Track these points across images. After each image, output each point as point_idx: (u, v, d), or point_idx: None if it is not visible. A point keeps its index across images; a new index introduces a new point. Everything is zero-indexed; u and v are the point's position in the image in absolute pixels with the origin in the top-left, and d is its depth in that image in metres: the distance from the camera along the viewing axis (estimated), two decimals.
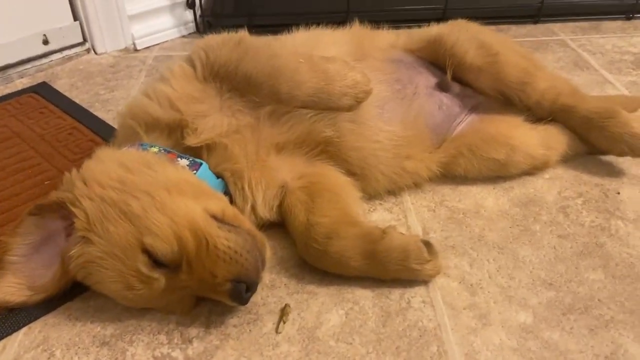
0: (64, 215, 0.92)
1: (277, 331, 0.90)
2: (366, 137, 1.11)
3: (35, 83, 1.66)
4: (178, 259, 0.86)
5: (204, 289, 0.87)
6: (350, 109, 1.06)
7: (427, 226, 1.10)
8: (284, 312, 0.92)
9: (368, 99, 1.07)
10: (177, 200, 0.90)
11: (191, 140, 1.00)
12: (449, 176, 1.21)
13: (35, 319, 0.94)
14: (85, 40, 1.80)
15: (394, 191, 1.17)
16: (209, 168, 1.01)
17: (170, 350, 0.87)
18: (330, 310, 0.93)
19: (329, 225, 0.98)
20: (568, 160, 1.25)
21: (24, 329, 0.92)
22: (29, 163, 1.30)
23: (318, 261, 0.98)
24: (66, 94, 1.61)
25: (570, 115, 1.23)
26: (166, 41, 1.94)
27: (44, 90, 1.62)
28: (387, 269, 0.94)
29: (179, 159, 0.99)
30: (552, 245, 1.04)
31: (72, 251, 0.88)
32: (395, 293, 0.95)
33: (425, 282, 0.97)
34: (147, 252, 0.85)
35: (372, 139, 1.12)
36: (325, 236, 0.96)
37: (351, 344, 0.87)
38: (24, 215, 0.94)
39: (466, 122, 1.24)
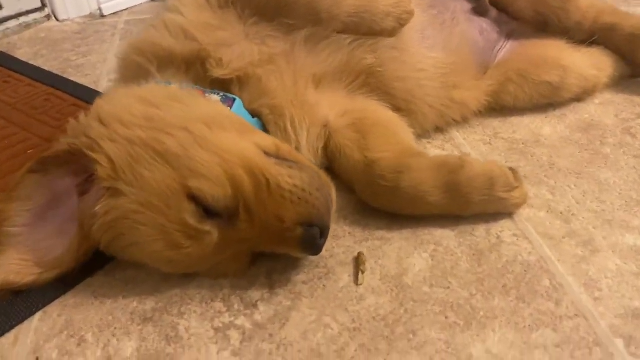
0: (75, 169, 0.74)
1: (357, 283, 0.74)
2: (410, 66, 0.97)
3: None
4: (233, 205, 0.70)
5: (267, 240, 0.71)
6: (392, 32, 0.93)
7: (488, 160, 0.97)
8: (359, 262, 0.77)
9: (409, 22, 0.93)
10: (221, 135, 0.73)
11: (218, 72, 0.83)
12: (496, 108, 1.09)
13: (51, 301, 0.75)
14: (44, 5, 1.57)
15: (441, 127, 1.04)
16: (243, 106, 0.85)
17: (232, 318, 0.71)
18: (411, 254, 0.78)
19: (394, 159, 0.83)
20: (613, 84, 1.16)
21: (38, 314, 0.73)
22: (2, 134, 1.09)
23: (387, 201, 0.83)
24: (30, 62, 1.39)
25: (613, 34, 1.14)
26: (135, 5, 1.73)
27: (3, 60, 1.40)
28: (470, 201, 0.80)
29: (208, 94, 0.82)
30: (631, 166, 0.94)
31: (97, 207, 0.70)
32: (479, 229, 0.82)
33: (509, 214, 0.84)
34: (194, 198, 0.68)
35: (417, 67, 0.98)
36: (393, 171, 0.81)
37: (449, 288, 0.73)
38: (21, 175, 0.75)
39: (506, 48, 1.12)
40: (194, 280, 0.76)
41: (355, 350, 0.66)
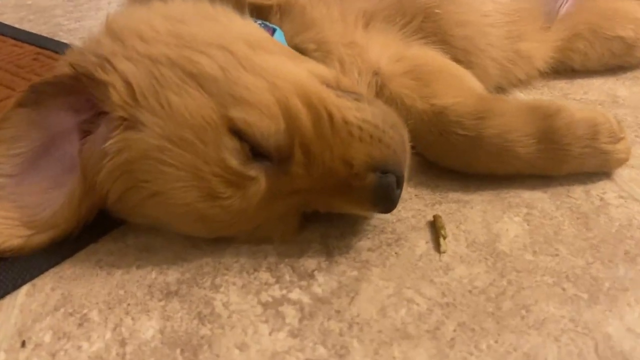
0: (78, 101, 0.57)
1: (439, 250, 0.58)
2: (472, 9, 0.83)
3: None
4: (286, 144, 0.54)
5: (328, 192, 0.55)
6: None
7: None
8: (437, 226, 0.61)
9: None
10: (268, 58, 0.57)
11: None
12: (559, 70, 0.94)
13: (42, 271, 0.57)
14: None
15: (503, 87, 0.89)
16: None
17: (285, 291, 0.54)
18: (499, 218, 0.63)
19: (472, 104, 0.68)
20: None
21: (25, 288, 0.55)
22: None
23: (463, 157, 0.67)
24: (16, 26, 1.22)
25: None
26: None
27: None
28: (569, 153, 0.65)
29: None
30: None
31: (108, 143, 0.53)
32: (576, 191, 0.67)
33: (606, 175, 0.69)
34: (237, 133, 0.52)
35: (480, 11, 0.83)
36: (473, 116, 0.66)
37: (557, 255, 0.57)
38: (8, 110, 0.58)
39: (570, 2, 0.98)
40: (229, 247, 0.59)
41: (455, 330, 0.49)
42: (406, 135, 0.58)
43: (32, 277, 0.56)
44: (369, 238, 0.60)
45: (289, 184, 0.55)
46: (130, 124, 0.53)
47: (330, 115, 0.55)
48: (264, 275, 0.56)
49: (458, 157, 0.67)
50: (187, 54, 0.55)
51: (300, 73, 0.57)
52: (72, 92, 0.57)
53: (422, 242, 0.60)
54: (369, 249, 0.59)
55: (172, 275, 0.56)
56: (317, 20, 0.70)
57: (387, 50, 0.77)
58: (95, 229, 0.60)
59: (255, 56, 0.56)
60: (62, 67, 0.57)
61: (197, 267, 0.57)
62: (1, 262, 0.56)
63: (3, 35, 1.15)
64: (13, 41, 1.12)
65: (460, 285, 0.54)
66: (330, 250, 0.59)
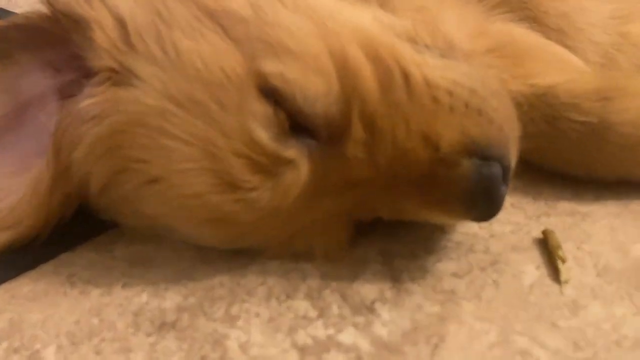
0: (56, 55, 0.42)
1: (559, 280, 0.40)
2: None
3: None
4: (340, 113, 0.37)
5: (398, 186, 0.38)
6: None
7: None
8: (551, 246, 0.42)
9: None
10: None
11: None
12: None
13: None
14: None
15: None
16: None
17: (332, 330, 0.36)
18: (637, 238, 0.44)
19: (589, 82, 0.50)
20: None
21: None
22: None
23: (579, 151, 0.48)
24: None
25: None
26: None
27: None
28: None
29: None
30: None
31: (88, 101, 0.37)
32: None
33: None
34: (271, 94, 0.36)
35: None
36: (597, 96, 0.48)
37: None
38: None
39: None
40: (252, 263, 0.42)
41: None
42: (512, 107, 0.41)
43: None
44: (452, 259, 0.42)
45: (342, 173, 0.37)
46: (120, 77, 0.37)
47: (406, 74, 0.38)
48: (302, 305, 0.38)
49: (572, 154, 0.49)
50: None
51: (363, 17, 0.41)
52: (50, 42, 0.41)
53: (530, 267, 0.41)
54: (455, 274, 0.41)
55: (171, 299, 0.39)
56: None
57: (464, 24, 0.60)
58: (73, 232, 0.43)
59: None
60: (34, 11, 0.42)
61: (207, 290, 0.40)
62: None
63: None
64: None
65: (601, 333, 0.35)
66: (397, 273, 0.41)
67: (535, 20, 0.64)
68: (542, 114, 0.50)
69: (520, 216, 0.47)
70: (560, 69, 0.54)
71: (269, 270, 0.41)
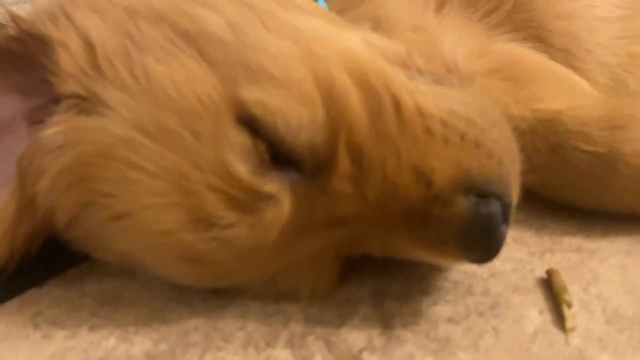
0: (27, 81, 0.39)
1: (565, 327, 0.36)
2: None
3: None
4: (325, 143, 0.34)
5: (388, 223, 0.35)
6: None
7: None
8: (556, 288, 0.39)
9: None
10: (303, 18, 0.38)
11: None
12: None
13: None
14: None
15: None
16: None
17: None
18: None
19: (598, 108, 0.47)
20: None
21: None
22: None
23: (586, 183, 0.45)
24: None
25: None
26: None
27: None
28: None
29: None
30: None
31: (51, 130, 0.34)
32: None
33: None
34: (250, 123, 0.33)
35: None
36: (606, 124, 0.45)
37: None
38: None
39: None
40: (231, 304, 0.39)
41: None
42: (514, 139, 0.37)
43: None
44: (448, 301, 0.39)
45: (328, 209, 0.34)
46: (87, 104, 0.35)
47: (397, 102, 0.35)
48: (282, 355, 0.35)
49: (579, 185, 0.46)
50: (181, 4, 0.37)
51: (352, 40, 0.38)
52: (17, 65, 0.39)
53: (532, 312, 0.38)
54: (450, 319, 0.37)
55: (141, 344, 0.36)
56: None
57: (465, 43, 0.57)
58: (43, 266, 0.40)
59: (285, 12, 0.38)
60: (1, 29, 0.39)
61: (181, 334, 0.37)
62: None
63: None
64: None
65: None
66: (389, 317, 0.38)
67: (540, 39, 0.61)
68: (547, 142, 0.47)
69: (522, 252, 0.44)
70: (567, 93, 0.51)
71: (250, 312, 0.38)
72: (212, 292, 0.39)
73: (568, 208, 0.47)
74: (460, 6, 0.58)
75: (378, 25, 0.51)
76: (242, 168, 0.33)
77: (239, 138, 0.33)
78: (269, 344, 0.36)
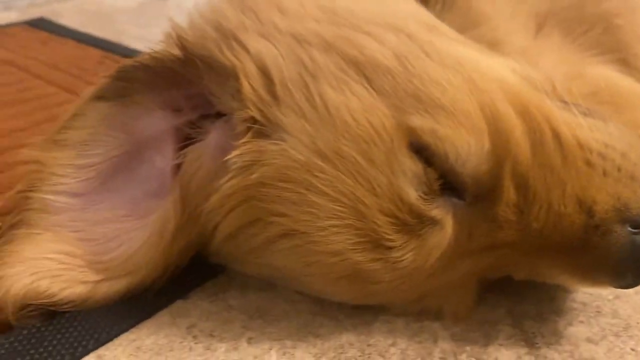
0: (179, 96, 0.41)
1: None
2: None
3: (27, 19, 1.13)
4: (490, 173, 0.35)
5: (544, 250, 0.36)
6: None
7: None
8: None
9: None
10: (456, 46, 0.40)
11: None
12: None
13: (110, 338, 0.39)
14: None
15: None
16: None
17: None
18: None
19: None
20: None
21: None
22: (35, 93, 0.78)
23: None
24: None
25: None
26: None
27: (43, 25, 1.09)
28: None
29: None
30: None
31: (234, 153, 0.36)
32: None
33: None
34: (421, 151, 0.34)
35: None
36: None
37: None
38: (83, 102, 0.41)
39: None
40: (376, 320, 0.40)
41: None
42: None
43: (97, 344, 0.38)
44: (582, 322, 0.41)
45: (488, 235, 0.36)
46: (263, 129, 0.36)
47: (557, 134, 0.37)
48: None
49: None
50: (347, 34, 0.38)
51: (501, 69, 0.39)
52: (175, 83, 0.40)
53: None
54: (589, 340, 0.39)
55: (302, 359, 0.37)
56: (488, 15, 0.53)
57: (562, 65, 0.59)
58: (182, 278, 0.42)
59: (440, 42, 0.39)
60: (162, 47, 0.40)
61: (337, 349, 0.38)
62: (56, 320, 0.39)
63: (63, 36, 1.01)
64: (74, 43, 0.97)
65: None
66: (531, 337, 0.39)
67: (625, 63, 0.63)
68: None
69: None
70: None
71: (397, 329, 0.40)
72: (354, 307, 0.41)
73: None
74: (556, 28, 0.60)
75: (494, 47, 0.52)
76: (412, 193, 0.34)
77: (410, 165, 0.35)
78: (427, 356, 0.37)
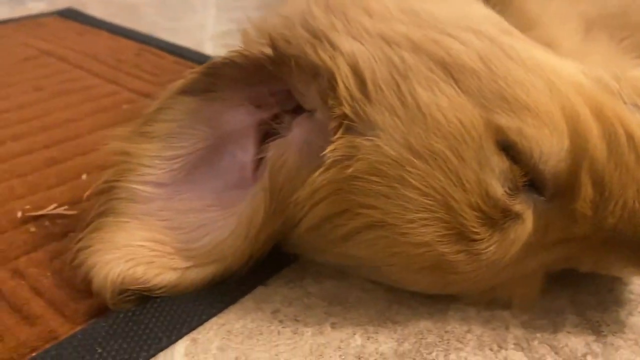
0: (261, 94, 0.42)
1: None
2: None
3: (55, 10, 1.14)
4: (568, 170, 0.38)
5: (613, 244, 0.38)
6: None
7: None
8: None
9: None
10: (531, 49, 0.42)
11: None
12: None
13: (201, 322, 0.41)
14: None
15: None
16: None
17: None
18: None
19: None
20: None
21: (183, 345, 0.39)
22: (80, 84, 0.79)
23: None
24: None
25: None
26: None
27: (73, 15, 1.10)
28: None
29: None
30: None
31: (329, 148, 0.37)
32: None
33: None
34: (508, 149, 0.36)
35: None
36: None
37: None
38: (169, 95, 0.43)
39: None
40: (449, 309, 0.43)
41: None
42: None
43: (190, 328, 0.40)
44: None
45: (563, 229, 0.38)
46: (355, 126, 0.38)
47: (630, 135, 0.39)
48: (516, 356, 0.39)
49: None
50: (433, 36, 0.40)
51: (576, 72, 0.42)
52: (262, 80, 0.42)
53: None
54: None
55: (385, 343, 0.40)
56: (542, 18, 0.55)
57: (606, 67, 0.61)
58: (260, 265, 0.44)
59: (518, 45, 0.41)
60: (250, 45, 0.42)
61: (416, 335, 0.40)
62: (149, 304, 0.40)
63: (97, 27, 1.02)
64: (108, 34, 0.99)
65: None
66: (596, 326, 0.42)
67: None
68: None
69: None
70: None
71: (470, 317, 0.42)
72: (428, 296, 0.43)
73: None
74: (602, 31, 0.62)
75: (549, 49, 0.54)
76: (499, 189, 0.37)
77: (498, 162, 0.37)
78: (500, 346, 0.40)
